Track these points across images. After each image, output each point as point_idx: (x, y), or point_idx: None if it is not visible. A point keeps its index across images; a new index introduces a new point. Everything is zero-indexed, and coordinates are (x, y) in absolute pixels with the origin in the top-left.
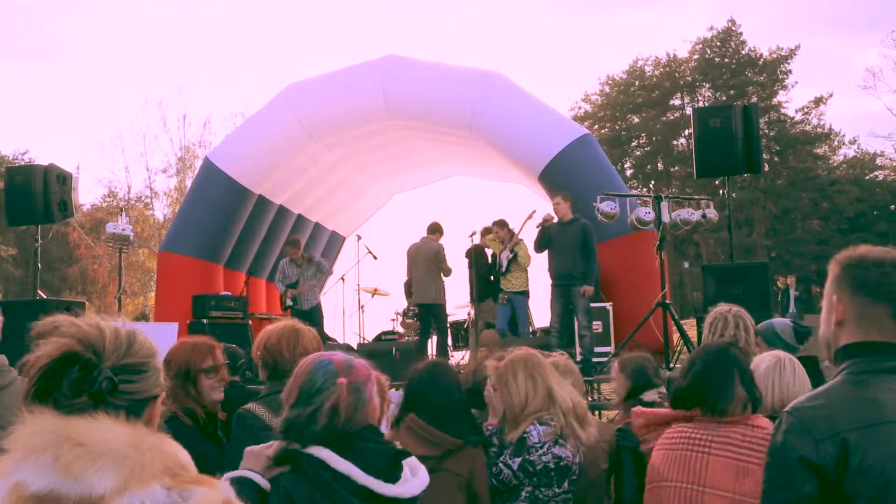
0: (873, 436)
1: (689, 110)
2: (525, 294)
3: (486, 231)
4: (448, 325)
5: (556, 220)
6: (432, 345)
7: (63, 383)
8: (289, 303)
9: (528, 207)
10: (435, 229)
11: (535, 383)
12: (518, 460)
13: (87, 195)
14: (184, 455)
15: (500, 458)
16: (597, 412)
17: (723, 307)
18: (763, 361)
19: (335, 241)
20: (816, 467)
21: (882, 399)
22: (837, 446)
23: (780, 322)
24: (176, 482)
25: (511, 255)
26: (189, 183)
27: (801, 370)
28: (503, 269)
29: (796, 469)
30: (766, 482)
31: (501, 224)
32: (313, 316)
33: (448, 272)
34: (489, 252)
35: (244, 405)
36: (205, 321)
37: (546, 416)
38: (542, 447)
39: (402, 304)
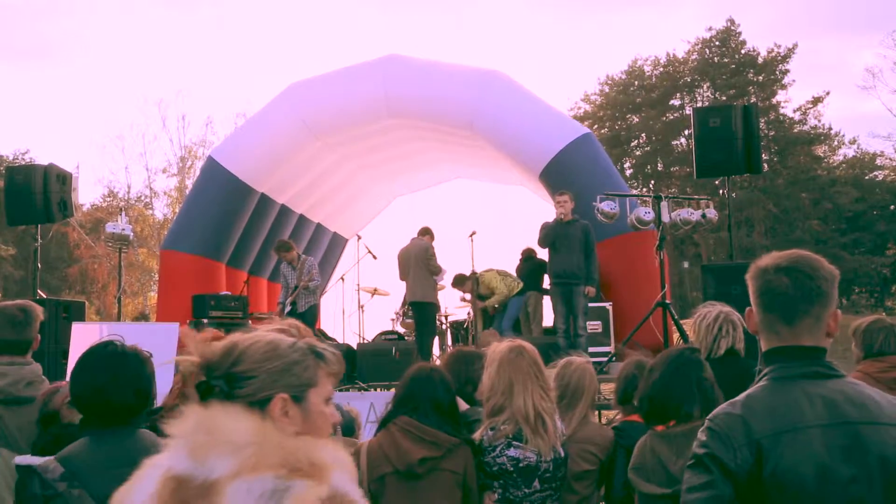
0: (788, 441)
1: (688, 110)
2: (518, 294)
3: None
4: (444, 324)
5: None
6: (436, 345)
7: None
8: (287, 309)
9: (529, 209)
10: (425, 232)
11: (500, 378)
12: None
13: (87, 195)
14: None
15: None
16: (596, 412)
17: (721, 307)
18: None
19: (337, 243)
20: (732, 472)
21: (797, 404)
22: (753, 452)
23: None
24: (288, 474)
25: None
26: (189, 183)
27: None
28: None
29: (714, 473)
30: (685, 483)
31: (461, 280)
32: (307, 317)
33: (437, 270)
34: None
35: None
36: (205, 321)
37: (498, 420)
38: (493, 450)
39: (402, 304)
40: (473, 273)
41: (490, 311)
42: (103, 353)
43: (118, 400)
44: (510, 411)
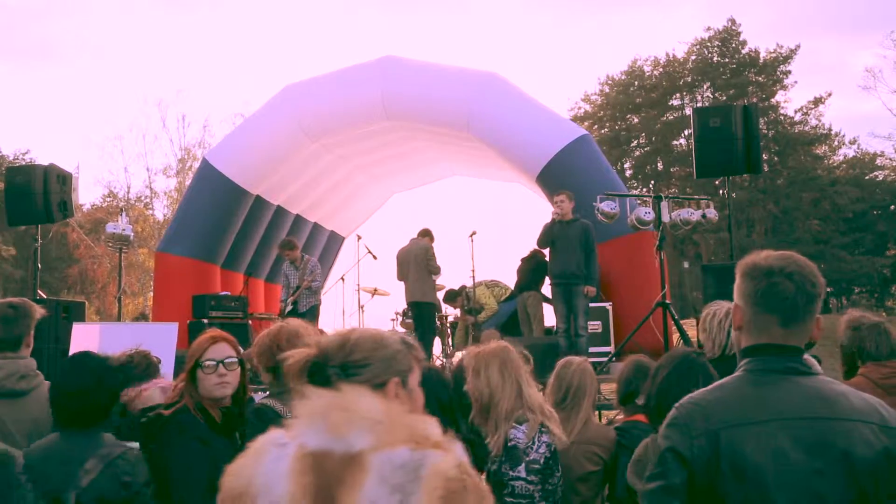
0: (749, 433)
1: (688, 110)
2: (508, 300)
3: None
4: (443, 324)
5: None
6: (437, 344)
7: (306, 378)
8: (289, 308)
9: (527, 207)
10: (425, 233)
11: (505, 378)
12: (522, 467)
13: (86, 195)
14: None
15: (503, 475)
16: (597, 412)
17: (729, 305)
18: None
19: (334, 242)
20: (688, 462)
21: (765, 398)
22: (710, 443)
23: None
24: (418, 446)
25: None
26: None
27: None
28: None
29: (671, 461)
30: (648, 470)
31: (453, 296)
32: (307, 317)
33: (436, 271)
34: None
35: (259, 400)
36: (205, 321)
37: (520, 415)
38: (533, 444)
39: (402, 304)
40: (464, 287)
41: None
42: (80, 363)
43: (84, 405)
44: (526, 407)
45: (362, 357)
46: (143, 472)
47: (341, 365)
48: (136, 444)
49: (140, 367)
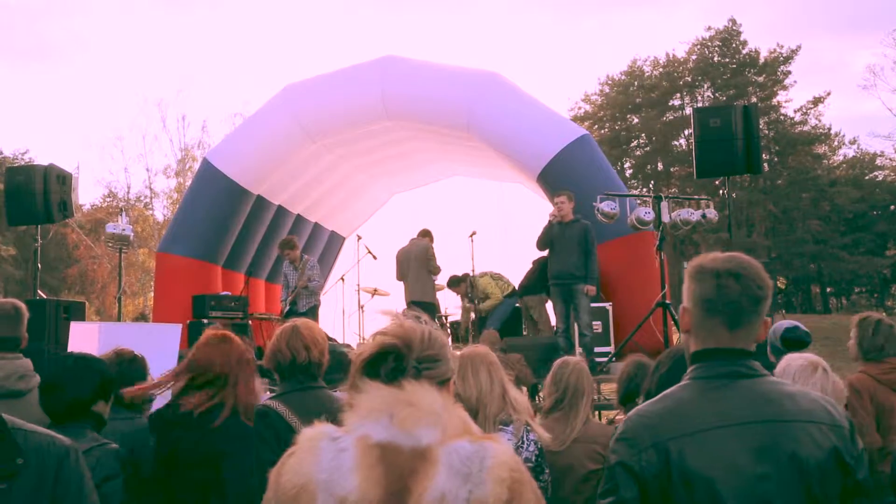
0: (696, 442)
1: (688, 110)
2: (509, 297)
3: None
4: (443, 325)
5: (559, 218)
6: None
7: (381, 369)
8: (286, 308)
9: (528, 207)
10: (425, 234)
11: (491, 381)
12: None
13: (86, 195)
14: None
15: None
16: (597, 412)
17: None
18: (794, 362)
19: (335, 242)
20: (637, 475)
21: (711, 404)
22: (659, 455)
23: (776, 325)
24: (473, 438)
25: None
26: (188, 183)
27: (832, 376)
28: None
29: (620, 475)
30: (601, 486)
31: (456, 281)
32: (306, 317)
33: (436, 270)
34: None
35: (264, 402)
36: (205, 321)
37: (505, 417)
38: (523, 443)
39: (402, 304)
40: (467, 275)
41: (482, 313)
42: (64, 365)
43: (61, 401)
44: (510, 408)
45: (437, 353)
46: (109, 467)
47: (419, 358)
48: (115, 445)
49: (124, 365)
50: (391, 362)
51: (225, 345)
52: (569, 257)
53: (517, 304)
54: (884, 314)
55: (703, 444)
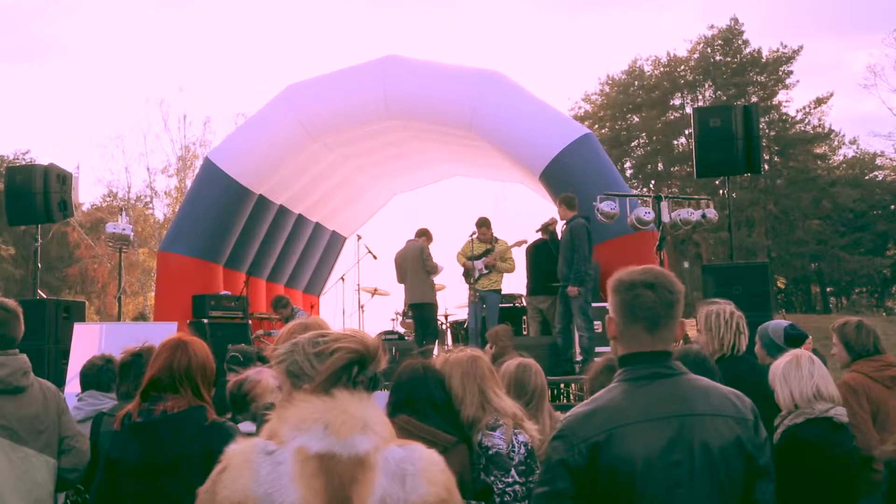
0: (621, 435)
1: (689, 110)
2: (498, 292)
3: (480, 222)
4: (444, 325)
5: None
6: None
7: (345, 376)
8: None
9: (529, 207)
10: (422, 233)
11: (463, 387)
12: (513, 472)
13: (87, 195)
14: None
15: (494, 482)
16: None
17: (726, 304)
18: (782, 359)
19: (336, 242)
20: (572, 468)
21: (634, 402)
22: (589, 449)
23: (775, 324)
24: (399, 443)
25: (486, 272)
26: (189, 183)
27: (819, 366)
28: (474, 279)
29: (557, 469)
30: (538, 477)
31: (486, 224)
32: None
33: (434, 270)
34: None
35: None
36: (205, 321)
37: (492, 422)
38: (513, 447)
39: (402, 304)
40: (496, 255)
41: (473, 297)
42: None
43: None
44: (493, 412)
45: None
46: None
47: (374, 373)
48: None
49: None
50: (356, 370)
51: (180, 350)
52: (561, 260)
53: (516, 304)
54: (884, 314)
55: (627, 436)
